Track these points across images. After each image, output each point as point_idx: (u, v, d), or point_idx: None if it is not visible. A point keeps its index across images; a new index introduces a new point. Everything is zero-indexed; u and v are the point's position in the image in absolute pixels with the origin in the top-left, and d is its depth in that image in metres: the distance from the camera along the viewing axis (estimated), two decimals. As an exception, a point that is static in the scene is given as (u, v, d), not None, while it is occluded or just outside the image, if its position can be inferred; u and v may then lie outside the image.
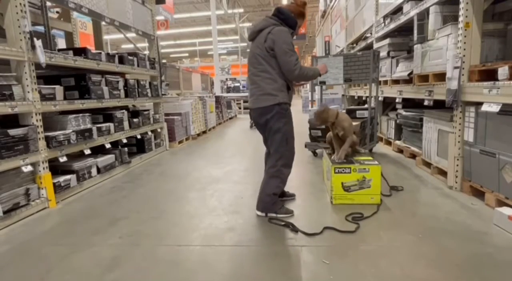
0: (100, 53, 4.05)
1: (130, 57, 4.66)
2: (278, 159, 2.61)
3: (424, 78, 3.73)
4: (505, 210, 2.31)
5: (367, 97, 4.90)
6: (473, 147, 2.90)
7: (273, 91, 2.50)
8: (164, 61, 10.22)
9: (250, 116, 2.81)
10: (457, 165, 3.10)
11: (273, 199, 2.65)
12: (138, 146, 5.03)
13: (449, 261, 1.91)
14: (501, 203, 2.55)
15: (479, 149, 2.83)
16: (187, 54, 31.79)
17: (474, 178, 2.93)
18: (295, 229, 2.38)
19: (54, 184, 3.08)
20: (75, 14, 5.13)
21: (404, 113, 4.61)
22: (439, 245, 2.09)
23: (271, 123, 2.54)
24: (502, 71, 2.43)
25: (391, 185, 3.22)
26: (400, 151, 4.83)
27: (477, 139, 2.87)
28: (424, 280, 1.74)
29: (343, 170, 2.83)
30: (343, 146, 3.04)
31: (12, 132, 2.68)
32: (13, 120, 2.99)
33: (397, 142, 4.96)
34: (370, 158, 3.07)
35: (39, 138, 2.96)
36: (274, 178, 2.64)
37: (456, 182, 3.12)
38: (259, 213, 2.69)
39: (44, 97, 3.08)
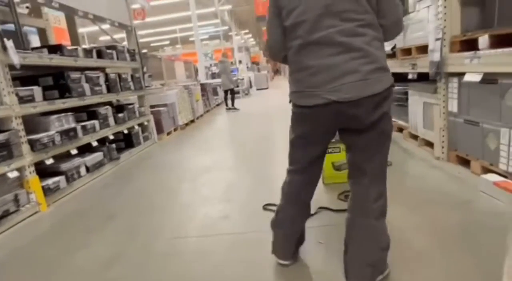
0: (77, 49, 3.91)
1: (108, 51, 4.52)
2: (384, 183, 1.56)
3: (407, 51, 3.73)
4: (490, 177, 2.38)
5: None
6: (458, 117, 2.95)
7: (386, 63, 1.43)
8: (144, 51, 9.97)
9: (313, 118, 1.46)
10: (443, 136, 3.15)
11: (386, 254, 1.56)
12: (126, 141, 4.96)
13: (439, 229, 1.98)
14: (486, 170, 2.62)
15: (463, 119, 2.88)
16: (168, 42, 31.03)
17: (459, 147, 2.99)
18: (289, 212, 2.40)
19: (43, 187, 3.03)
20: (46, 8, 4.91)
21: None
22: (429, 215, 2.16)
23: (386, 120, 1.46)
24: (482, 40, 2.45)
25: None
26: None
27: (461, 109, 2.91)
28: (416, 250, 1.79)
29: (332, 150, 2.85)
30: None
31: (-7, 138, 2.61)
32: (-7, 126, 2.90)
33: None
34: (358, 136, 3.10)
35: (22, 142, 2.88)
36: (382, 218, 1.56)
37: (443, 153, 3.19)
38: None
39: (22, 100, 2.98)
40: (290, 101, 1.57)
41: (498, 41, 2.36)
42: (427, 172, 2.97)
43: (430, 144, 3.48)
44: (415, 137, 3.87)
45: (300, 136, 1.60)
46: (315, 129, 1.53)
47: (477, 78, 2.52)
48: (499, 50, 2.28)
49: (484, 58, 2.43)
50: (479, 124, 2.66)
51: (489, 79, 2.47)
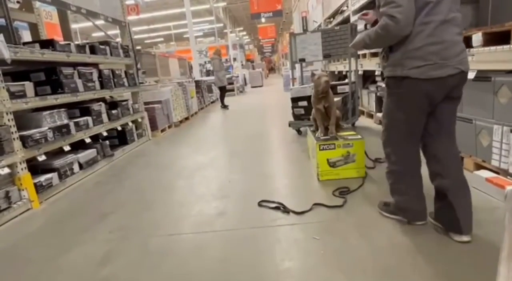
0: (69, 44, 3.85)
1: (102, 46, 4.46)
2: None
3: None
4: (483, 173, 2.41)
5: (347, 71, 4.90)
6: (455, 121, 2.97)
7: None
8: (138, 47, 9.87)
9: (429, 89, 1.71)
10: (437, 133, 3.17)
11: None
12: (120, 138, 4.92)
13: (433, 226, 1.99)
14: (478, 167, 2.64)
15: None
16: (162, 39, 30.80)
17: (453, 144, 3.01)
18: (286, 210, 2.41)
19: (35, 184, 2.99)
20: (38, 3, 4.83)
21: (384, 85, 4.65)
22: (423, 212, 2.17)
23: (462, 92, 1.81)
24: (476, 37, 2.46)
25: (375, 158, 3.29)
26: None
27: (454, 106, 2.93)
28: (411, 248, 1.81)
29: (327, 147, 2.86)
30: (331, 121, 3.09)
31: (-17, 134, 2.56)
32: (-17, 122, 2.85)
33: (379, 114, 5.03)
34: (353, 132, 3.11)
35: (14, 138, 2.84)
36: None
37: (437, 150, 3.21)
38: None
39: (13, 95, 2.93)
40: (401, 78, 1.73)
41: (492, 39, 2.38)
42: (421, 168, 2.99)
43: (423, 141, 3.51)
44: (409, 134, 3.89)
45: (422, 110, 1.79)
46: (435, 99, 1.75)
47: (470, 75, 2.53)
48: (493, 48, 2.30)
49: (477, 55, 2.45)
50: (472, 121, 2.68)
51: (482, 76, 2.49)
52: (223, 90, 9.61)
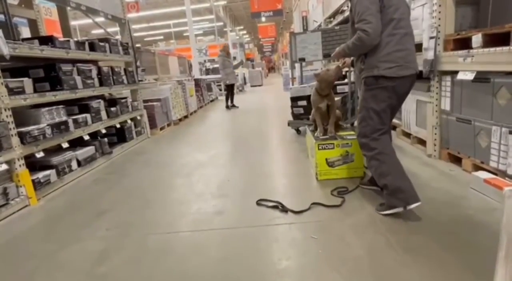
0: (69, 40, 3.84)
1: (101, 44, 4.45)
2: None
3: (401, 49, 3.74)
4: (481, 174, 2.41)
5: (346, 71, 4.90)
6: (450, 115, 2.98)
7: None
8: (138, 45, 9.85)
9: (395, 87, 2.16)
10: (435, 134, 3.18)
11: None
12: (119, 136, 4.91)
13: (431, 226, 2.00)
14: (477, 168, 2.65)
15: (455, 117, 2.90)
16: (162, 37, 30.75)
17: (451, 145, 3.02)
18: (284, 209, 2.41)
19: (33, 180, 2.98)
20: (37, -1, 4.82)
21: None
22: (421, 212, 2.17)
23: None
24: (476, 39, 2.47)
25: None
26: (381, 123, 4.91)
27: (453, 107, 2.94)
28: (408, 247, 1.81)
29: (326, 146, 2.86)
30: (330, 120, 3.09)
31: (-19, 130, 2.55)
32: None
33: (378, 114, 5.03)
34: (353, 132, 3.12)
35: (12, 135, 2.83)
36: None
37: (435, 150, 3.22)
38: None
39: (12, 91, 2.92)
40: (377, 77, 2.13)
41: (491, 40, 2.38)
42: (420, 169, 3.00)
43: (422, 142, 3.52)
44: (408, 135, 3.90)
45: (390, 104, 2.20)
46: (403, 94, 2.24)
47: (470, 76, 2.54)
48: (492, 49, 2.30)
49: (477, 56, 2.45)
50: (471, 122, 2.69)
51: (481, 77, 2.50)
52: (230, 89, 9.15)
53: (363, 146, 2.31)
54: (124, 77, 4.99)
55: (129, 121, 5.07)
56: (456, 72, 2.74)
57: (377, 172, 2.22)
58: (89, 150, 3.92)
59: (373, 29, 2.04)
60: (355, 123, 5.05)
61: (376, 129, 2.23)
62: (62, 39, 3.86)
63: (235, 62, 10.75)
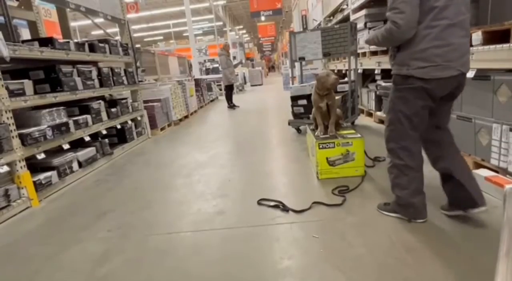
0: (69, 42, 3.84)
1: (101, 44, 4.45)
2: None
3: (401, 47, 3.73)
4: (482, 172, 2.41)
5: (346, 70, 4.90)
6: (451, 113, 2.97)
7: None
8: (138, 46, 9.86)
9: (439, 87, 1.82)
10: (436, 132, 3.17)
11: None
12: (119, 136, 4.91)
13: (433, 225, 2.00)
14: (478, 166, 2.65)
15: (456, 115, 2.90)
16: (161, 37, 30.76)
17: (452, 143, 3.01)
18: (285, 209, 2.41)
19: (34, 182, 2.99)
20: (37, 1, 4.81)
21: (383, 84, 4.65)
22: (422, 211, 2.17)
23: None
24: (476, 36, 2.46)
25: (374, 156, 3.29)
26: (382, 122, 4.91)
27: (454, 105, 2.93)
28: (409, 246, 1.81)
29: (327, 145, 2.86)
30: (331, 120, 3.10)
31: (-18, 132, 2.56)
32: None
33: (378, 113, 5.04)
34: (353, 131, 3.11)
35: (13, 136, 2.83)
36: None
37: (436, 149, 3.21)
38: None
39: (12, 93, 2.93)
40: (406, 77, 1.84)
41: (491, 38, 2.37)
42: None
43: (423, 140, 3.51)
44: (408, 133, 3.89)
45: (425, 106, 1.88)
46: (436, 97, 1.87)
47: (470, 74, 2.53)
48: (492, 47, 2.29)
49: (477, 54, 2.44)
50: (472, 120, 2.68)
51: (482, 75, 2.49)
52: (229, 89, 9.06)
53: (390, 151, 2.06)
54: (124, 78, 4.99)
55: (129, 122, 5.07)
56: (456, 70, 2.73)
57: (395, 181, 2.06)
58: (90, 151, 3.93)
59: (405, 20, 1.72)
60: (355, 122, 5.07)
61: (406, 135, 1.95)
62: (62, 40, 3.86)
63: (234, 62, 10.72)
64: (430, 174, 2.80)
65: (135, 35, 26.18)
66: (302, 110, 4.74)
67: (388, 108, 2.05)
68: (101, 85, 4.34)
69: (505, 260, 1.04)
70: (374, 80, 5.05)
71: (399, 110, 1.94)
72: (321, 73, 3.09)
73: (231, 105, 8.98)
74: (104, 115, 4.34)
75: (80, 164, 3.72)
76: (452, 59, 1.75)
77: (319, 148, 2.86)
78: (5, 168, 2.73)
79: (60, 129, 3.41)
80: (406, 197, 2.01)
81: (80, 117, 3.82)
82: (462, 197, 1.94)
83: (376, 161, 3.24)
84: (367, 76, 5.65)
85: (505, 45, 2.17)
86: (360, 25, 4.95)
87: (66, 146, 3.51)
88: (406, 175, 1.99)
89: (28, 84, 3.16)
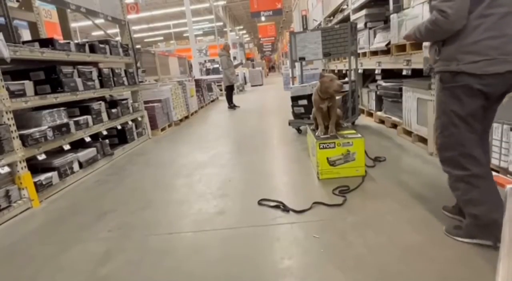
0: (69, 43, 3.85)
1: (101, 45, 4.45)
2: None
3: (401, 47, 3.74)
4: (483, 172, 2.40)
5: (347, 70, 4.90)
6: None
7: None
8: (138, 46, 9.87)
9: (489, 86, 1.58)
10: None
11: None
12: (120, 137, 4.92)
13: (432, 225, 1.99)
14: (479, 165, 2.64)
15: (456, 115, 2.89)
16: (162, 38, 30.79)
17: (453, 143, 3.01)
18: (285, 209, 2.41)
19: (35, 183, 2.99)
20: (37, 2, 4.82)
21: (384, 84, 4.65)
22: (422, 211, 2.17)
23: None
24: (476, 36, 2.45)
25: (374, 156, 3.29)
26: (382, 122, 4.91)
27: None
28: (410, 246, 1.81)
29: (327, 145, 2.86)
30: (331, 120, 3.10)
31: (-17, 133, 2.56)
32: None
33: (379, 113, 5.03)
34: (353, 131, 3.11)
35: (13, 137, 2.84)
36: None
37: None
38: None
39: (13, 94, 2.93)
40: (455, 73, 1.62)
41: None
42: (421, 167, 3.00)
43: (424, 140, 3.51)
44: (409, 133, 3.89)
45: (479, 105, 1.65)
46: (491, 95, 1.63)
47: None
48: None
49: None
50: (472, 120, 2.68)
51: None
52: (230, 89, 9.00)
53: (448, 161, 1.77)
54: (124, 79, 4.99)
55: (130, 122, 5.07)
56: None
57: (465, 197, 1.72)
58: (90, 152, 3.93)
59: (455, 9, 1.51)
60: (356, 122, 5.07)
61: (465, 139, 1.69)
62: (62, 41, 3.86)
63: (235, 62, 10.73)
64: (433, 171, 2.81)
65: (136, 35, 26.21)
66: (302, 110, 4.74)
67: (438, 112, 1.81)
68: (102, 86, 4.34)
69: (506, 260, 1.04)
70: (375, 80, 5.05)
71: (451, 111, 1.69)
72: (326, 76, 3.08)
73: (232, 106, 8.97)
74: (104, 115, 4.35)
75: (80, 165, 3.73)
76: (510, 52, 1.52)
77: (320, 148, 2.86)
78: (6, 169, 2.73)
79: (60, 129, 3.41)
80: (486, 214, 1.64)
81: (80, 118, 3.82)
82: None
83: (377, 161, 3.24)
84: (368, 76, 5.65)
85: None
86: (360, 25, 4.95)
87: (66, 147, 3.52)
88: (478, 187, 1.67)
89: (28, 85, 3.16)
